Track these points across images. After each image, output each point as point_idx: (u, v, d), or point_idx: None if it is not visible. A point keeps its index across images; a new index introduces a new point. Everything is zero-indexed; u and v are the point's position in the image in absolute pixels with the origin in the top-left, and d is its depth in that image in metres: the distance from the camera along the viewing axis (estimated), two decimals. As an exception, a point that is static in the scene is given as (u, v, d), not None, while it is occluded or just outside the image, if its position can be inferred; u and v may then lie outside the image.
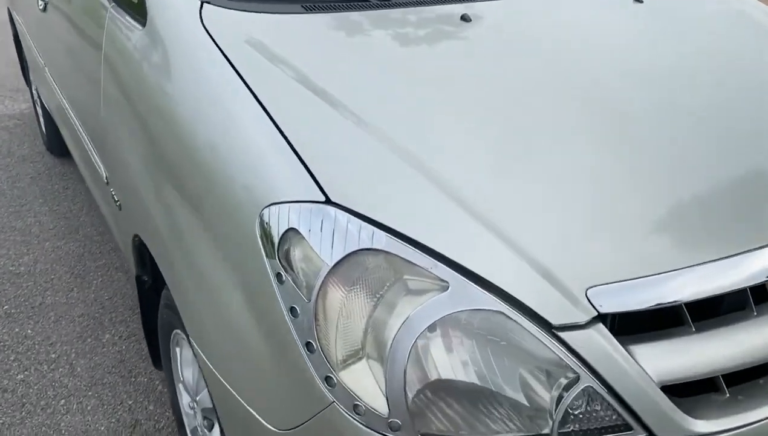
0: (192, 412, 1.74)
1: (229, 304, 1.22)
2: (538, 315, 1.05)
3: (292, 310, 1.10)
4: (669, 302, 1.09)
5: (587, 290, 1.08)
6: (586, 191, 1.19)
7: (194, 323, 1.36)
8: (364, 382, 1.05)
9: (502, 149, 1.25)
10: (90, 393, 2.31)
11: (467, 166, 1.19)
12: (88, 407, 2.25)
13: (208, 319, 1.29)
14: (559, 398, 1.06)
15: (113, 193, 1.91)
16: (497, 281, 1.05)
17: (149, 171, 1.57)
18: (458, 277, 1.04)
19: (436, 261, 1.05)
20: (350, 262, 1.06)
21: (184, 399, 1.80)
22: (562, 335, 1.05)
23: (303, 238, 1.10)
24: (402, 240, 1.06)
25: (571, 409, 1.06)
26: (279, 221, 1.12)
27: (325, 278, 1.06)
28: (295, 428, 1.13)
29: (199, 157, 1.32)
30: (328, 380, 1.06)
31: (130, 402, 2.28)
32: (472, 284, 1.04)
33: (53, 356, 2.47)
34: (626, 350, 1.08)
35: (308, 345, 1.08)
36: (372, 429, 1.04)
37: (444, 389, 1.05)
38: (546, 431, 1.06)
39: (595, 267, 1.10)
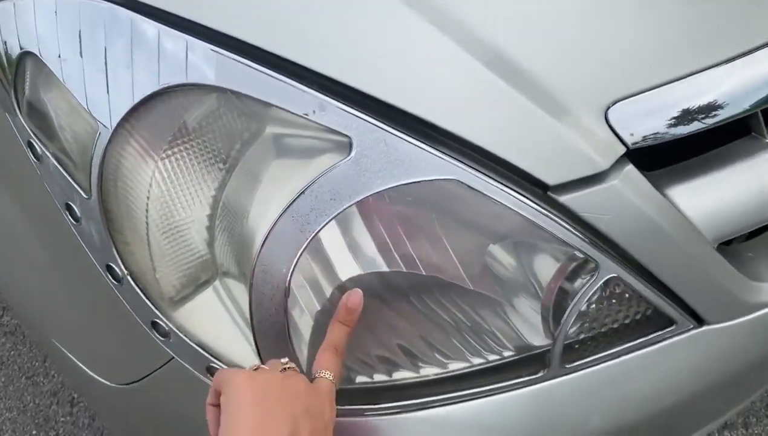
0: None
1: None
2: (525, 173, 0.56)
3: (69, 210, 0.58)
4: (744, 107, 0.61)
5: (607, 109, 0.58)
6: None
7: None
8: (217, 324, 0.58)
9: None
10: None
11: None
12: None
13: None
14: (563, 295, 0.62)
15: None
16: (446, 121, 0.54)
17: None
18: (369, 125, 0.52)
19: (323, 96, 0.52)
20: (151, 114, 0.53)
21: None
22: (567, 199, 0.58)
23: (51, 72, 0.54)
24: (250, 58, 0.52)
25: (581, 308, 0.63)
26: (3, 36, 0.56)
27: (106, 150, 0.53)
28: (132, 383, 0.69)
29: None
30: (155, 326, 0.59)
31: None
32: (397, 133, 0.53)
33: None
34: (665, 198, 0.63)
35: (110, 270, 0.59)
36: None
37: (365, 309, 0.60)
38: (541, 342, 0.64)
39: (609, 76, 0.59)
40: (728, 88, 0.60)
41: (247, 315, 0.57)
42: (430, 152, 0.53)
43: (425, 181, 0.53)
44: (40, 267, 0.69)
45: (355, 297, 0.56)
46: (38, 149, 0.58)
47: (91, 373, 0.72)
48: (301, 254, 0.52)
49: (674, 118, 0.60)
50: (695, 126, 0.60)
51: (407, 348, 0.63)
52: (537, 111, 0.56)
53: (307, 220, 0.52)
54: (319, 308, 0.57)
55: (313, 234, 0.52)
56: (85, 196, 0.56)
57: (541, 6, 0.60)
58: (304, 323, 0.56)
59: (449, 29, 0.56)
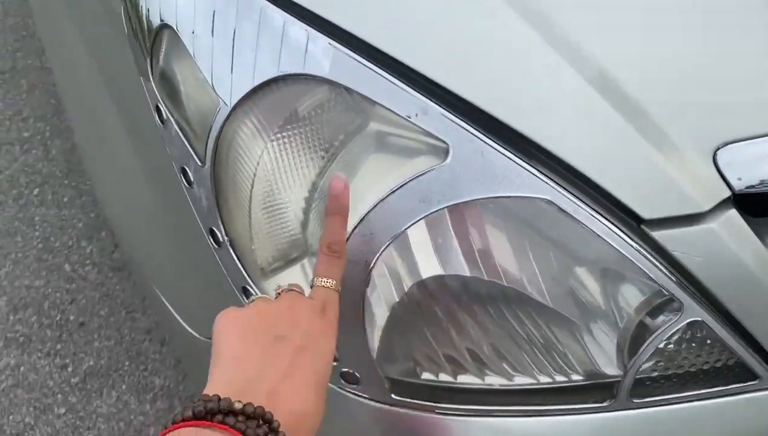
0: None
1: (118, 148, 0.76)
2: (620, 203, 0.56)
3: (184, 173, 0.63)
4: None
5: (716, 150, 0.56)
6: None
7: (94, 166, 0.91)
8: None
9: None
10: (66, 182, 1.98)
11: None
12: (65, 199, 1.94)
13: (106, 168, 0.85)
14: (643, 329, 0.61)
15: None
16: (546, 140, 0.54)
17: None
18: (468, 134, 0.53)
19: (427, 100, 0.54)
20: (268, 98, 0.57)
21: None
22: (660, 235, 0.57)
23: (184, 46, 0.59)
24: (363, 55, 0.54)
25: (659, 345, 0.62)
26: (147, 6, 0.61)
27: (223, 125, 0.57)
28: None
29: None
30: (246, 292, 0.64)
31: (111, 193, 1.95)
32: (495, 146, 0.54)
33: (26, 134, 2.11)
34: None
35: (212, 234, 0.63)
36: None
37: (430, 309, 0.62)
38: (612, 372, 0.64)
39: (724, 116, 0.57)
40: None
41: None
42: (525, 169, 0.54)
43: (518, 196, 0.54)
44: (152, 217, 0.75)
45: (338, 181, 0.53)
46: (164, 114, 0.63)
47: (182, 322, 0.78)
48: (385, 249, 0.54)
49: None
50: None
51: (476, 353, 0.64)
52: (641, 141, 0.55)
53: (396, 217, 0.54)
54: (397, 300, 0.59)
55: (400, 231, 0.54)
56: (199, 163, 0.60)
57: (659, 35, 0.59)
58: (380, 312, 0.58)
59: (559, 46, 0.56)
